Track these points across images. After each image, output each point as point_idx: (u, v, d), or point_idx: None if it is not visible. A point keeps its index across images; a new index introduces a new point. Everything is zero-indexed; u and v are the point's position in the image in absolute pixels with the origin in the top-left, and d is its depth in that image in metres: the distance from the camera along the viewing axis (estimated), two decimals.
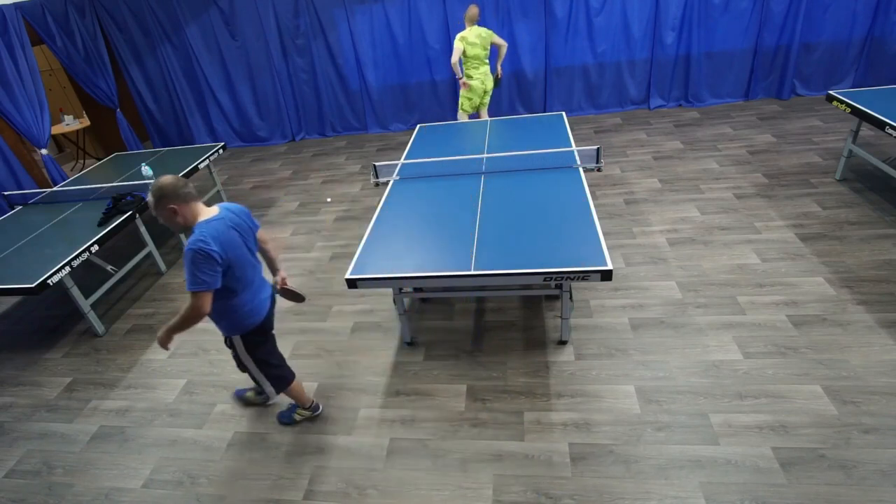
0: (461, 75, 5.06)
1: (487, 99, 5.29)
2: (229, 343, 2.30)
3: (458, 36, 4.87)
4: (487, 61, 5.06)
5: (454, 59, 4.87)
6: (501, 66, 5.26)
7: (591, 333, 3.00)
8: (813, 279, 3.15)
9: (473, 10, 4.82)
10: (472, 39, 4.86)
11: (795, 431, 2.27)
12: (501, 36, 6.05)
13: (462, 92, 5.19)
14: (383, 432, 2.57)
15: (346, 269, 2.65)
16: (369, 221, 3.08)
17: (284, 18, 6.42)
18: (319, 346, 3.20)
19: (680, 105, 6.36)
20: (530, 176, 3.34)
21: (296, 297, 2.59)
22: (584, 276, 2.36)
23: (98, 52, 6.44)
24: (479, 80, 5.08)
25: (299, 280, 3.91)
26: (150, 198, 1.94)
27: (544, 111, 6.58)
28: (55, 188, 4.60)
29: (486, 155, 3.74)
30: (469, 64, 5.02)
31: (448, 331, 3.19)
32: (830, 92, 4.14)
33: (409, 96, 6.77)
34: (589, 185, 3.14)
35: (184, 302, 3.86)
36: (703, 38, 5.93)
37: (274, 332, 2.43)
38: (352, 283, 2.57)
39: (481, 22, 6.05)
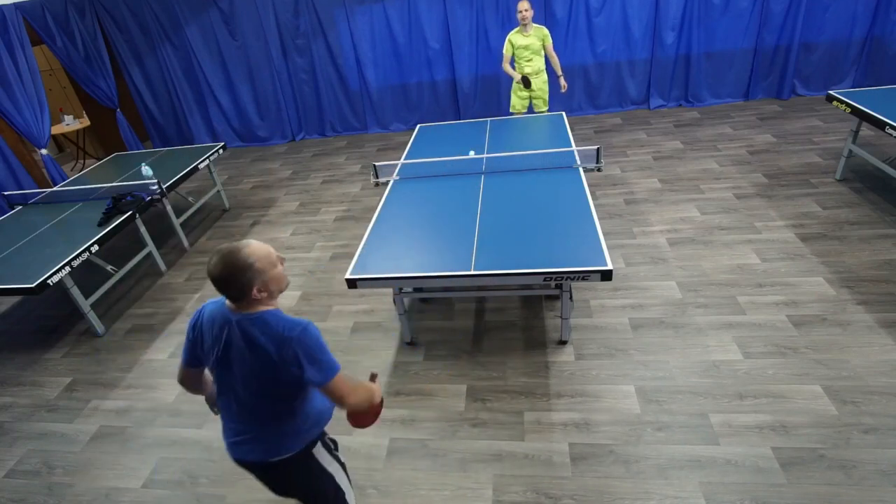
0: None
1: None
2: (302, 461, 1.61)
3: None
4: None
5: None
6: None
7: (591, 333, 3.00)
8: (813, 279, 3.15)
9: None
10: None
11: (795, 431, 2.27)
12: (501, 37, 6.06)
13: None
14: (383, 432, 2.56)
15: (346, 269, 2.64)
16: (369, 221, 3.07)
17: (284, 18, 6.42)
18: None
19: (680, 105, 6.36)
20: (530, 176, 3.34)
21: None
22: (584, 276, 2.36)
23: (98, 52, 6.44)
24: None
25: (300, 280, 3.91)
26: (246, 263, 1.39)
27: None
28: (55, 188, 4.59)
29: (486, 155, 3.74)
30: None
31: (448, 331, 3.19)
32: (830, 92, 4.13)
33: (409, 96, 6.77)
34: (589, 185, 3.13)
35: (184, 301, 3.86)
36: (702, 38, 5.93)
37: None
38: (352, 283, 2.57)
39: (482, 24, 6.07)
